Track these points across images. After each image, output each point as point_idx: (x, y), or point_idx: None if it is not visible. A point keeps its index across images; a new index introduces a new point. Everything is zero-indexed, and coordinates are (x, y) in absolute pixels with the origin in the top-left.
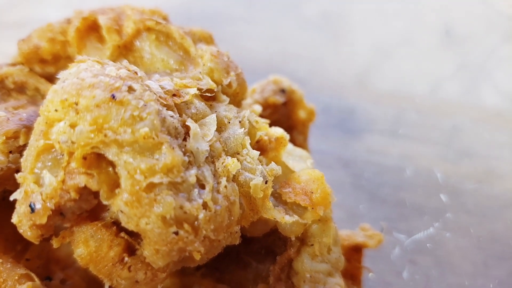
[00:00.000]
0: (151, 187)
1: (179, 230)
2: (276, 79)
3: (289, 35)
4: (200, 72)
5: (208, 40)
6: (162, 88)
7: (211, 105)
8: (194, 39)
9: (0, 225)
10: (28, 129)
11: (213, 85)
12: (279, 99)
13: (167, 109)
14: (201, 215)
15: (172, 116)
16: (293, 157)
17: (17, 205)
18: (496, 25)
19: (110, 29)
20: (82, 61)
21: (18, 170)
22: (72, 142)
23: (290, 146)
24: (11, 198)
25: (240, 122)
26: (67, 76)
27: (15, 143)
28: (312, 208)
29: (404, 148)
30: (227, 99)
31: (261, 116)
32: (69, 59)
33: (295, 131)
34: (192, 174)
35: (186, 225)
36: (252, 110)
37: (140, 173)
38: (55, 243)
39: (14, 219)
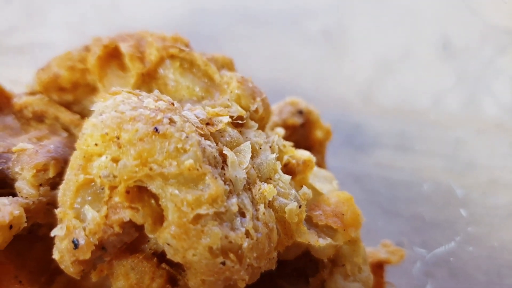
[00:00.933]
0: (197, 218)
1: (225, 260)
2: (293, 100)
3: (291, 53)
4: (228, 99)
5: (229, 65)
6: (196, 117)
7: (240, 131)
8: (217, 65)
9: (24, 257)
10: (57, 161)
11: (242, 112)
12: (298, 120)
13: (205, 139)
14: (245, 244)
15: (210, 146)
16: (318, 178)
17: (57, 241)
18: (490, 38)
19: (133, 57)
20: (117, 93)
21: (48, 203)
22: (114, 176)
23: (314, 167)
24: (52, 234)
25: (270, 147)
26: (103, 109)
27: (44, 175)
28: (344, 230)
29: (412, 161)
30: (256, 125)
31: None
32: (88, 86)
33: (312, 150)
34: (233, 203)
35: (231, 255)
36: (275, 133)
37: (186, 205)
38: (94, 276)
39: (55, 255)
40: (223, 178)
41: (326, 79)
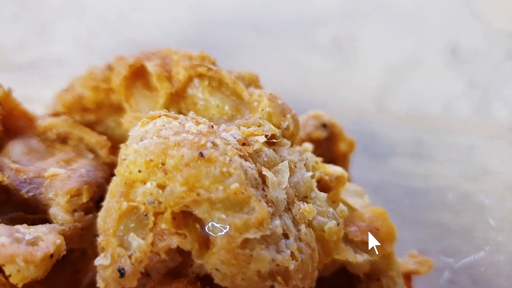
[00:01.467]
0: (245, 242)
1: (273, 283)
2: (316, 113)
3: (303, 62)
4: (260, 118)
5: (256, 82)
6: (233, 138)
7: (274, 149)
8: (244, 83)
9: (54, 281)
10: (89, 185)
11: (275, 130)
12: (322, 134)
13: (244, 160)
14: (291, 266)
15: (250, 167)
16: (349, 193)
17: (100, 269)
18: (497, 42)
19: (161, 77)
20: (155, 117)
21: (83, 228)
22: (160, 203)
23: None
24: (96, 263)
25: (304, 165)
26: (143, 134)
27: (78, 201)
28: (379, 245)
29: (428, 168)
30: (288, 142)
31: None
32: (112, 106)
33: (337, 163)
34: (278, 225)
35: (279, 278)
36: (304, 149)
37: (234, 230)
38: None
39: (100, 284)
40: (264, 199)
41: (339, 88)
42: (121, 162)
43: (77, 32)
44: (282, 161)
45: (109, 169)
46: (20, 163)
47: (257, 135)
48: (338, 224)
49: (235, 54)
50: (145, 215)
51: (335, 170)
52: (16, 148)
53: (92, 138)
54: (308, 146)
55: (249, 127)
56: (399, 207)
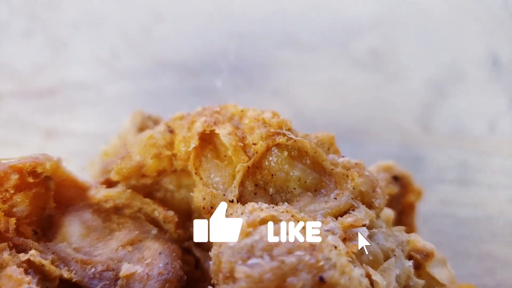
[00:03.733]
0: None
1: None
2: (386, 165)
3: (340, 78)
4: (352, 198)
5: (331, 144)
6: (333, 233)
7: (369, 235)
8: (324, 148)
9: None
10: (171, 283)
11: (372, 215)
12: (394, 188)
13: (353, 265)
14: None
15: (361, 274)
16: (433, 263)
17: None
18: None
19: (237, 149)
20: (255, 224)
21: None
22: None
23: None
24: None
25: (402, 251)
26: (249, 249)
27: None
28: None
29: (475, 195)
30: (383, 224)
31: None
32: (175, 173)
33: (404, 216)
34: None
35: None
36: (387, 218)
37: None
38: None
39: None
40: None
41: (381, 107)
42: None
43: (98, 50)
44: (383, 251)
45: (178, 247)
46: (83, 250)
47: (357, 226)
48: None
49: (272, 71)
50: None
51: (424, 246)
52: (73, 229)
53: (155, 211)
54: (390, 212)
55: (341, 211)
56: (448, 239)
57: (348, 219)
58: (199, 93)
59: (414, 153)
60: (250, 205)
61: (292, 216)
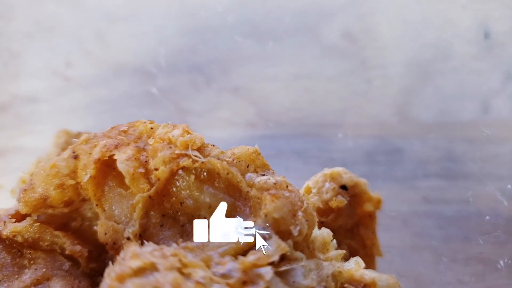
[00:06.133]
0: None
1: None
2: (332, 173)
3: (311, 67)
4: (263, 228)
5: (251, 161)
6: (229, 277)
7: (284, 272)
8: (241, 167)
9: None
10: None
11: (285, 248)
12: (343, 200)
13: None
14: None
15: None
16: None
17: None
18: None
19: (135, 177)
20: (135, 273)
21: None
22: None
23: (375, 273)
24: None
25: (325, 287)
26: None
27: None
28: None
29: (464, 189)
30: (302, 256)
31: (323, 223)
32: (84, 201)
33: (361, 227)
34: None
35: None
36: (323, 240)
37: None
38: None
39: None
40: None
41: (356, 96)
42: None
43: (51, 60)
44: None
45: (89, 284)
46: None
47: (261, 265)
48: None
49: (233, 66)
50: None
51: (362, 275)
52: None
53: (63, 241)
54: (327, 234)
55: (250, 245)
56: (433, 242)
57: (250, 258)
58: (156, 97)
59: (392, 145)
60: (131, 249)
61: (180, 260)
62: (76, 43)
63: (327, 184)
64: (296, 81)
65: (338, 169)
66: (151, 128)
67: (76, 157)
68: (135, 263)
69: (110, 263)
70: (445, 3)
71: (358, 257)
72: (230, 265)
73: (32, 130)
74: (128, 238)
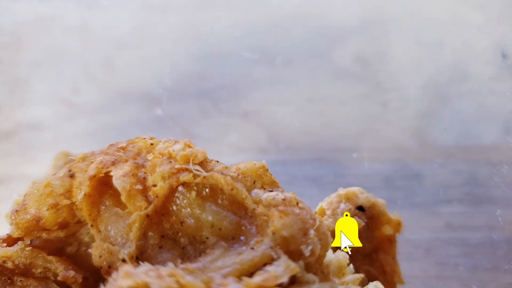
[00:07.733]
0: None
1: None
2: (348, 193)
3: (324, 91)
4: (271, 247)
5: (258, 176)
6: None
7: None
8: (246, 183)
9: None
10: None
11: (295, 269)
12: (360, 221)
13: None
14: None
15: None
16: None
17: None
18: None
19: (131, 194)
20: None
21: None
22: None
23: None
24: None
25: None
26: None
27: None
28: None
29: (489, 215)
30: (316, 279)
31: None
32: (80, 223)
33: (380, 252)
34: None
35: None
36: (338, 263)
37: None
38: None
39: None
40: None
41: (371, 120)
42: None
43: (57, 86)
44: None
45: None
46: None
47: (267, 287)
48: None
49: (243, 90)
50: None
51: None
52: None
53: (57, 267)
54: (343, 258)
55: (257, 266)
56: (458, 272)
57: (255, 279)
58: (164, 123)
59: (411, 170)
60: (124, 269)
61: (177, 281)
62: (83, 69)
63: (342, 205)
64: (309, 105)
65: (353, 189)
66: (151, 144)
67: (71, 176)
68: (126, 283)
69: (101, 286)
70: (459, 25)
71: (378, 281)
72: (233, 286)
73: (35, 157)
74: (124, 260)
